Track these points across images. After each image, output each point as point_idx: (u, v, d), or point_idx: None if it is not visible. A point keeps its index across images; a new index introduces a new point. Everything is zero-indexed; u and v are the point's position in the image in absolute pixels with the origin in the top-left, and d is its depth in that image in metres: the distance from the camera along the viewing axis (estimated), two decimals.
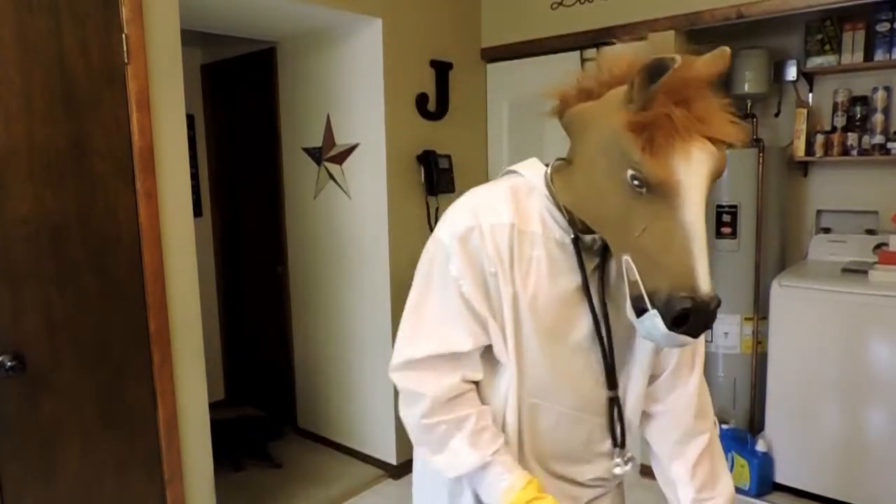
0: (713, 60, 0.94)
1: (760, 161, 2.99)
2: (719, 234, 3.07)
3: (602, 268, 1.09)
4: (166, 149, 2.15)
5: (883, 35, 2.81)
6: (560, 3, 3.23)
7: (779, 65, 3.10)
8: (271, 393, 3.98)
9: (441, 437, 1.06)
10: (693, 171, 0.89)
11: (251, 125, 3.86)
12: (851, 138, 2.96)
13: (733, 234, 3.05)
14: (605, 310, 1.08)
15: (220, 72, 4.00)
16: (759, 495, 2.89)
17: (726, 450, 2.95)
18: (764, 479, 2.90)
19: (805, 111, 3.06)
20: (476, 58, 3.55)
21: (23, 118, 1.82)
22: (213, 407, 2.55)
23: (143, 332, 2.13)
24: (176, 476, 2.24)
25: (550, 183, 1.07)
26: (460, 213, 1.07)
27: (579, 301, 1.07)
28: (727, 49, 0.95)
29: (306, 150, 3.45)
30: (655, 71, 0.84)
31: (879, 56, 2.83)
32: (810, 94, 3.15)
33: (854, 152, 2.96)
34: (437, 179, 3.22)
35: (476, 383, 1.10)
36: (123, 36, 2.00)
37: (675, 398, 1.19)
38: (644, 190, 0.90)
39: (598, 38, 3.08)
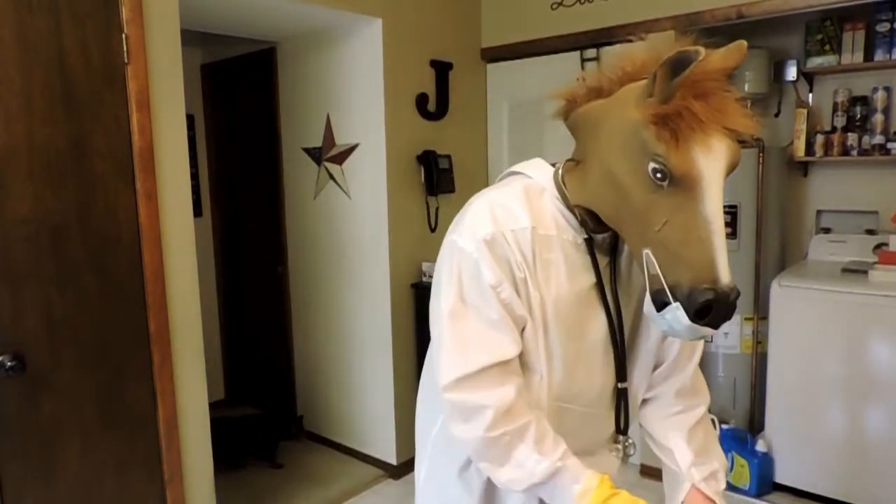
0: (729, 54, 0.95)
1: (760, 161, 2.99)
2: None
3: (613, 265, 1.11)
4: (166, 149, 2.15)
5: (883, 35, 2.81)
6: (560, 3, 3.23)
7: (779, 65, 3.10)
8: (271, 393, 3.98)
9: (504, 449, 1.03)
10: (713, 164, 0.90)
11: (251, 125, 3.86)
12: (851, 138, 2.96)
13: (733, 234, 3.05)
14: (619, 306, 1.10)
15: (220, 72, 4.00)
16: (758, 495, 2.89)
17: (726, 450, 2.96)
18: (764, 479, 2.90)
19: (805, 111, 3.06)
20: (476, 58, 3.55)
21: (23, 118, 1.82)
22: (213, 407, 2.55)
23: (143, 332, 2.13)
24: (176, 476, 2.24)
25: (562, 184, 1.07)
26: (480, 220, 1.04)
27: (594, 299, 1.09)
28: (744, 42, 0.95)
29: (306, 150, 3.45)
30: (679, 64, 0.84)
31: (879, 56, 2.83)
32: (810, 94, 3.16)
33: (854, 152, 2.96)
34: (437, 179, 3.22)
35: None
36: (123, 36, 2.00)
37: (672, 383, 1.23)
38: (666, 183, 0.90)
39: (598, 38, 3.08)
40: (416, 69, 3.21)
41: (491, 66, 3.59)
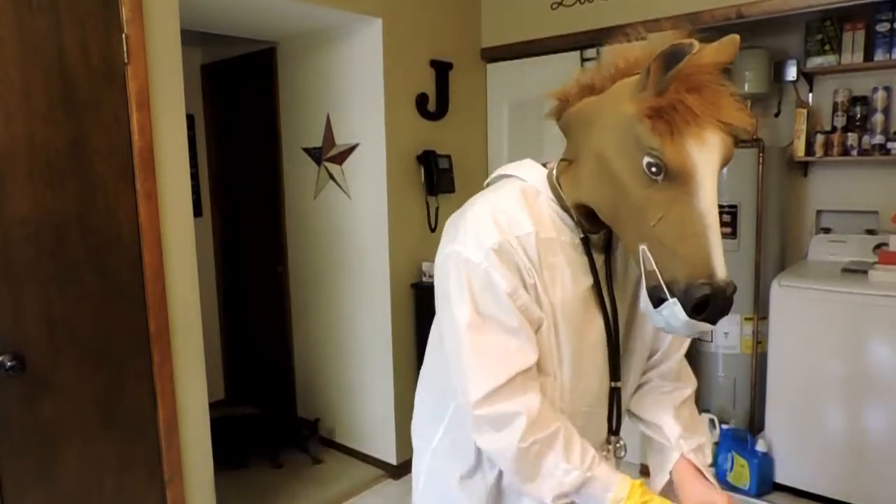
0: (722, 48, 0.95)
1: (760, 161, 2.99)
2: None
3: (608, 262, 1.11)
4: (166, 149, 2.15)
5: (883, 35, 2.81)
6: (560, 3, 3.24)
7: (779, 65, 3.10)
8: (271, 393, 3.98)
9: (534, 460, 1.01)
10: (707, 157, 0.90)
11: (251, 125, 3.86)
12: (851, 138, 2.96)
13: (733, 234, 3.05)
14: (615, 304, 1.11)
15: (220, 72, 4.00)
16: (758, 495, 2.88)
17: (726, 450, 2.98)
18: (764, 479, 2.89)
19: (805, 111, 3.06)
20: (476, 58, 3.55)
21: (23, 118, 1.82)
22: (213, 407, 2.55)
23: (143, 333, 2.13)
24: (176, 476, 2.24)
25: (557, 185, 1.07)
26: (483, 228, 1.02)
27: (593, 299, 1.09)
28: (736, 36, 0.95)
29: (306, 150, 3.45)
30: (673, 57, 0.84)
31: (879, 56, 2.83)
32: (810, 94, 3.15)
33: (854, 152, 2.96)
34: (437, 179, 3.22)
35: None
36: (123, 36, 2.00)
37: (661, 369, 1.26)
38: (660, 177, 0.90)
39: (598, 38, 3.07)
40: (415, 69, 3.21)
41: (491, 66, 3.59)
